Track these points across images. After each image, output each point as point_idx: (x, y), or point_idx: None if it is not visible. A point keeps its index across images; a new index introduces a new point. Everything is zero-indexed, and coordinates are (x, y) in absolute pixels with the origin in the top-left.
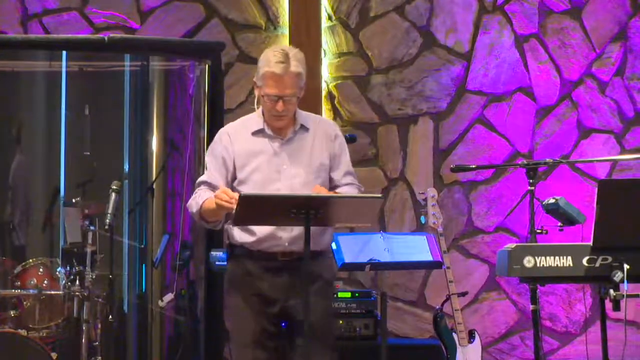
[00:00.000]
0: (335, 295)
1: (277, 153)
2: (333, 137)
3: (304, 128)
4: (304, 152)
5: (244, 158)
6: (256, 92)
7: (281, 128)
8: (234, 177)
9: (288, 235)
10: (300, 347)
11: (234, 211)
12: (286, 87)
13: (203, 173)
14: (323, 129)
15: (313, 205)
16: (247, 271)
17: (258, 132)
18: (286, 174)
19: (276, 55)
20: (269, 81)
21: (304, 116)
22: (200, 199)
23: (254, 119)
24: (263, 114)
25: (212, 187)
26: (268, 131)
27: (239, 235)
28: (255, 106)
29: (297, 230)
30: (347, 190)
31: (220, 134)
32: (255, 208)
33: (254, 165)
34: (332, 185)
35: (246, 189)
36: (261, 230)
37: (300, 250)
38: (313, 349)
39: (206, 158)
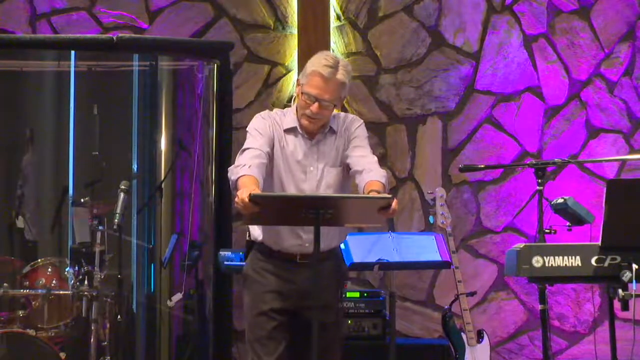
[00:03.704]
0: (344, 295)
1: (305, 154)
2: (352, 130)
3: (332, 130)
4: (329, 155)
5: (277, 152)
6: (296, 90)
7: (312, 129)
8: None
9: (307, 235)
10: (312, 345)
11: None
12: (327, 91)
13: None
14: (346, 128)
15: (323, 206)
16: (264, 268)
17: (290, 130)
18: (312, 176)
19: (327, 59)
20: (313, 81)
21: (334, 118)
22: (241, 170)
23: (288, 116)
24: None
25: (261, 152)
26: (300, 131)
27: (260, 233)
28: (292, 103)
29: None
30: (371, 177)
31: (267, 115)
32: (266, 208)
33: (283, 163)
34: (353, 170)
35: (272, 185)
36: (283, 229)
37: (320, 250)
38: (323, 350)
39: (249, 129)
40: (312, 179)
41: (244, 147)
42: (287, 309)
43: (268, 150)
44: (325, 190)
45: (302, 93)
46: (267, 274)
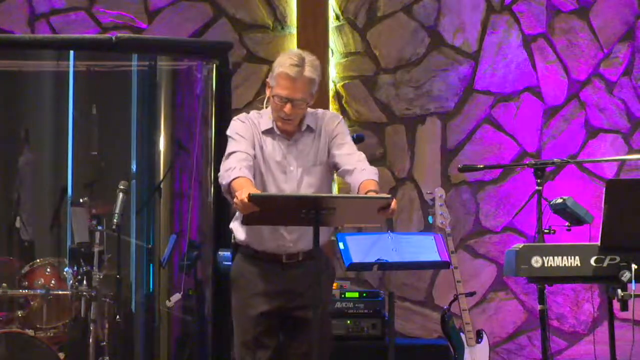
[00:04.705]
0: (342, 295)
1: (284, 154)
2: (332, 127)
3: (309, 129)
4: (309, 154)
5: (257, 153)
6: (267, 92)
7: (288, 130)
8: None
9: (292, 236)
10: (301, 346)
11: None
12: (297, 90)
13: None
14: (324, 125)
15: (323, 206)
16: (250, 271)
17: (268, 132)
18: (292, 176)
19: (292, 58)
20: (281, 82)
21: (310, 116)
22: (233, 173)
23: (264, 117)
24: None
25: (247, 155)
26: (277, 131)
27: (244, 235)
28: (265, 105)
29: (300, 230)
30: (364, 176)
31: (244, 117)
32: (265, 208)
33: (264, 165)
34: (343, 169)
35: (255, 187)
36: (266, 230)
37: (304, 250)
38: (310, 348)
39: (230, 133)
40: (292, 179)
41: (229, 151)
42: (274, 311)
43: (253, 153)
44: (306, 190)
45: (273, 96)
46: (253, 277)
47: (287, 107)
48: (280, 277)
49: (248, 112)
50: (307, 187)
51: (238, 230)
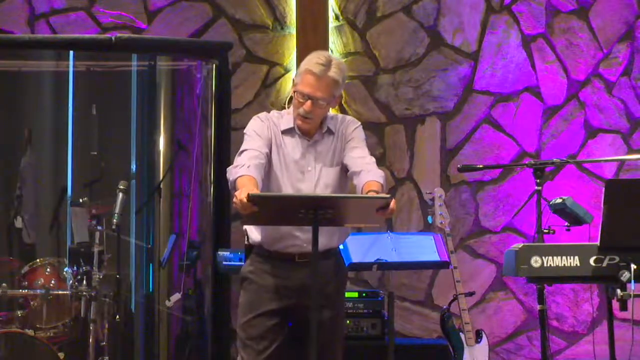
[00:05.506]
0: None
1: (303, 154)
2: (349, 132)
3: (329, 131)
4: (327, 155)
5: (274, 153)
6: (292, 91)
7: (307, 130)
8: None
9: (305, 235)
10: (310, 346)
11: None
12: (319, 89)
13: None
14: (343, 129)
15: (322, 206)
16: (262, 269)
17: (287, 131)
18: (309, 176)
19: (319, 58)
20: (305, 79)
21: (331, 119)
22: (240, 170)
23: (285, 117)
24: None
25: (259, 153)
26: (297, 131)
27: (257, 235)
28: (287, 105)
29: None
30: (368, 177)
31: (264, 117)
32: (264, 208)
33: (280, 164)
34: (351, 170)
35: (270, 186)
36: (278, 230)
37: (318, 249)
38: (322, 348)
39: (247, 131)
40: (310, 179)
41: (242, 148)
42: (285, 308)
43: (266, 151)
44: (323, 190)
45: (295, 92)
46: (265, 275)
47: (307, 105)
48: (292, 274)
49: (268, 112)
50: (324, 187)
51: (252, 232)
